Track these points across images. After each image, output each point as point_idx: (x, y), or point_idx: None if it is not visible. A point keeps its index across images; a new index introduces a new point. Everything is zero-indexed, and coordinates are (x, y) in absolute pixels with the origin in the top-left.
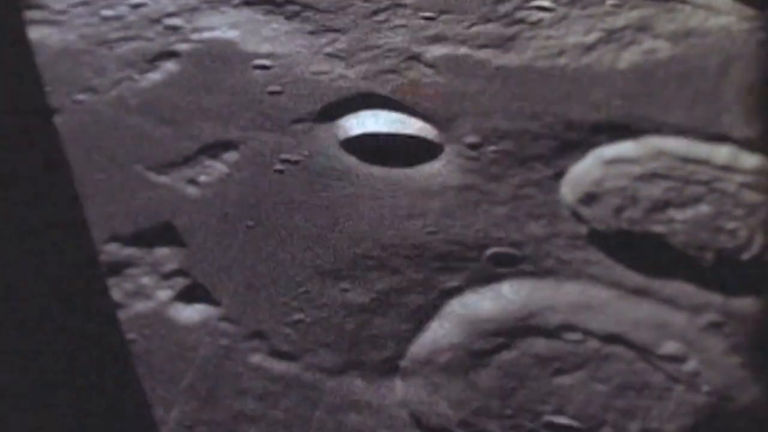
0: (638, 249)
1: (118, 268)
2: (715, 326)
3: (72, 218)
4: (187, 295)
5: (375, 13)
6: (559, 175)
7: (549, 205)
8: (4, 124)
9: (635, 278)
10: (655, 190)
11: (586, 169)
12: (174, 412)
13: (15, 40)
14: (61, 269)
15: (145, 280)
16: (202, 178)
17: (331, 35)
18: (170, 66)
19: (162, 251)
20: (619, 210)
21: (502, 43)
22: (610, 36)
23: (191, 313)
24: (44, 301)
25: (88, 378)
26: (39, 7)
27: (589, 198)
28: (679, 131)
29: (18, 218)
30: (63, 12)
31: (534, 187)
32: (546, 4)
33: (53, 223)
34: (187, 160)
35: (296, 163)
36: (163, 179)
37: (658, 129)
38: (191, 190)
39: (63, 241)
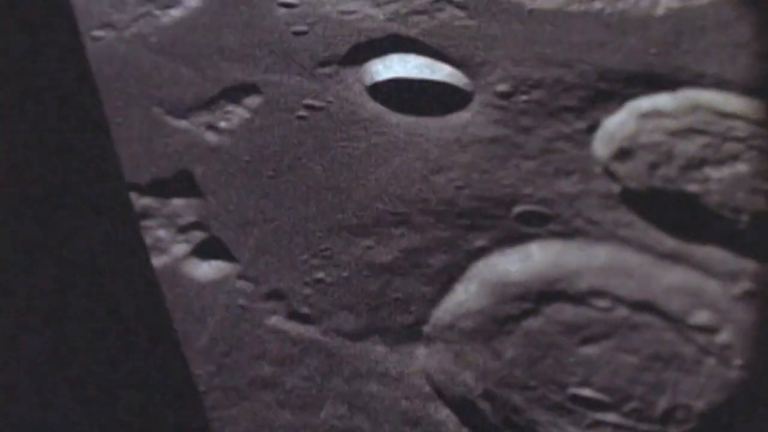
0: (672, 210)
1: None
2: (749, 295)
3: (86, 163)
4: (204, 251)
5: None
6: (592, 128)
7: (580, 161)
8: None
9: (668, 242)
10: (691, 147)
11: (620, 123)
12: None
13: None
14: (72, 217)
15: (161, 233)
16: (222, 124)
17: None
18: (192, 2)
19: (179, 202)
20: (653, 167)
21: None
22: None
23: (207, 269)
24: (61, 255)
25: (105, 340)
26: None
27: (623, 153)
28: (717, 83)
29: (26, 160)
30: None
31: (565, 140)
32: None
33: (65, 165)
34: (207, 104)
35: (320, 109)
36: (182, 124)
37: (696, 81)
38: (210, 137)
39: (76, 185)
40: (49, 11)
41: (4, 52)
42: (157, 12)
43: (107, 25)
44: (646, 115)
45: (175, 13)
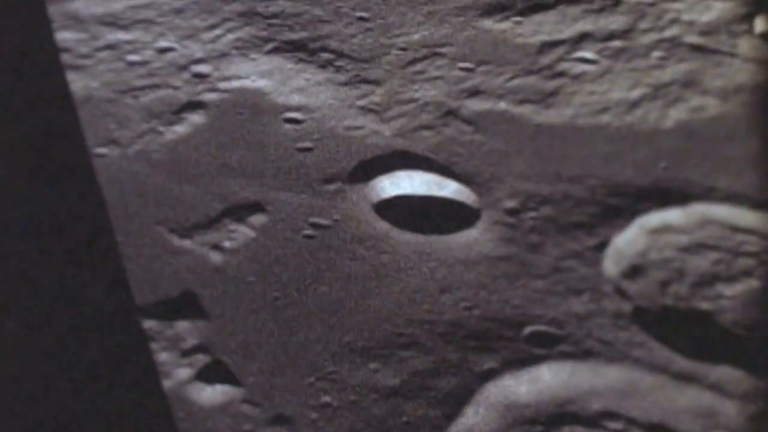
0: (684, 328)
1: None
2: (764, 416)
3: (89, 284)
4: (208, 374)
5: (411, 63)
6: (602, 245)
7: (591, 279)
8: (24, 175)
9: (681, 362)
10: (703, 263)
11: (630, 239)
12: None
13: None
14: (74, 342)
15: (164, 357)
16: (227, 244)
17: (365, 87)
18: (196, 118)
19: (183, 324)
20: (664, 284)
21: (543, 99)
22: (656, 92)
23: (212, 393)
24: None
25: None
26: (64, 50)
27: (634, 271)
28: (728, 197)
29: (28, 278)
30: (87, 56)
31: (575, 258)
32: (589, 56)
33: (64, 287)
34: (211, 223)
35: (326, 228)
36: (185, 243)
37: (706, 194)
38: (215, 257)
39: (78, 308)
40: (54, 128)
41: (8, 168)
42: (162, 129)
43: (111, 142)
44: (657, 231)
45: (180, 129)
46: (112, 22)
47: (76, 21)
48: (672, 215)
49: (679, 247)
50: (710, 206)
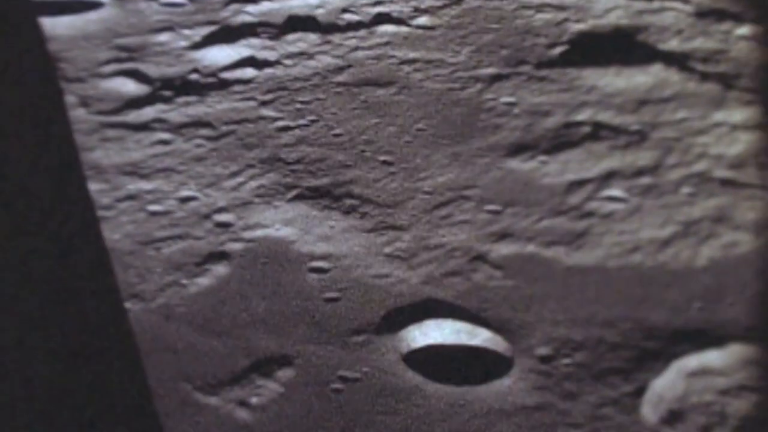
0: None
1: None
2: None
3: None
4: None
5: (437, 207)
6: (640, 390)
7: (629, 427)
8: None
9: None
10: (745, 406)
11: (668, 384)
12: None
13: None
14: None
15: None
16: (254, 400)
17: (391, 233)
18: (220, 269)
19: None
20: (706, 429)
21: (573, 240)
22: (687, 229)
23: None
24: None
25: None
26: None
27: (673, 417)
28: (767, 336)
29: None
30: (109, 207)
31: (613, 406)
32: (618, 194)
33: None
34: (238, 379)
35: (356, 381)
36: (211, 401)
37: (744, 334)
38: (242, 414)
39: None
40: (93, 282)
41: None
42: (185, 281)
43: (133, 296)
44: (695, 374)
45: (203, 281)
46: (133, 171)
47: (97, 171)
48: (710, 357)
49: (720, 390)
50: (749, 346)
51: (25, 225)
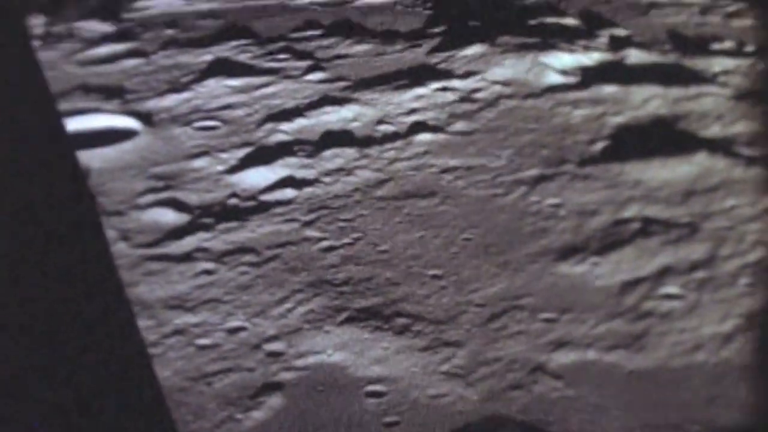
0: None
1: None
2: None
3: None
4: None
5: (490, 319)
6: None
7: None
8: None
9: None
10: None
11: None
12: None
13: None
14: None
15: None
16: None
17: (446, 350)
18: (274, 400)
19: None
20: None
21: (632, 343)
22: (749, 321)
23: None
24: None
25: None
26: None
27: None
28: None
29: None
30: (156, 344)
31: None
32: (674, 290)
33: None
34: None
35: None
36: None
37: None
38: None
39: None
40: (150, 423)
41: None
42: (239, 416)
43: None
44: None
45: (258, 415)
46: (179, 305)
47: (142, 307)
48: None
49: None
50: None
51: (81, 363)
